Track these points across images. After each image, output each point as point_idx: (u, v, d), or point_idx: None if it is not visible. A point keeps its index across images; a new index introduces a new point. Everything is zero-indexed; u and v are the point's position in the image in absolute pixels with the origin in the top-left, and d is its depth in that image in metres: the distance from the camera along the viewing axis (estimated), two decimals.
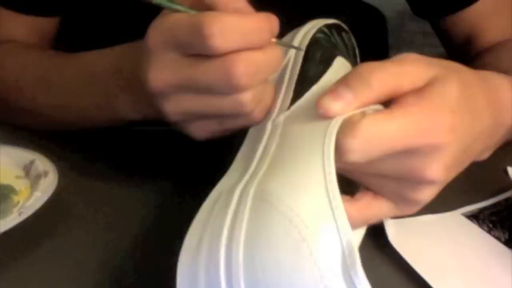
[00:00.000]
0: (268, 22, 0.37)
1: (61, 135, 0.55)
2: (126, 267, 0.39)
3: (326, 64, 0.42)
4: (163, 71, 0.37)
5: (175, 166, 0.51)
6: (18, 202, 0.43)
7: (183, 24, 0.36)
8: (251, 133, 0.39)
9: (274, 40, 0.38)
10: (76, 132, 0.55)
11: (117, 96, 0.46)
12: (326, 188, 0.29)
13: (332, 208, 0.29)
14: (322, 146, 0.31)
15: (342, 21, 0.48)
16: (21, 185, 0.45)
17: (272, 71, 0.38)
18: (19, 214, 0.39)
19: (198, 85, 0.37)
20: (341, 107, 0.32)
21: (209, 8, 0.37)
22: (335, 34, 0.46)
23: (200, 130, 0.40)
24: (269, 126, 0.38)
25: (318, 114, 0.33)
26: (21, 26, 0.63)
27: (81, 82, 0.51)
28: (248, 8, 0.37)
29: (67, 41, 0.68)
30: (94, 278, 0.37)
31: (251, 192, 0.30)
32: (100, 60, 0.49)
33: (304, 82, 0.40)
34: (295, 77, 0.41)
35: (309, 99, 0.38)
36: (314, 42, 0.43)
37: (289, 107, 0.38)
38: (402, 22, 1.42)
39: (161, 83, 0.37)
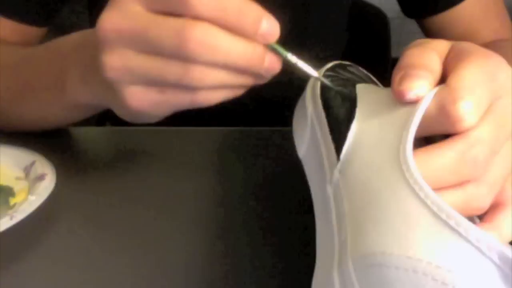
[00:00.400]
0: (261, 16, 0.34)
1: (62, 135, 0.55)
2: (125, 270, 0.38)
3: (350, 98, 0.37)
4: (118, 15, 0.35)
5: (175, 169, 0.51)
6: (15, 205, 0.43)
7: None
8: (317, 213, 0.35)
9: (275, 45, 0.36)
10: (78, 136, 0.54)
11: (68, 70, 0.44)
12: (434, 213, 0.25)
13: (456, 230, 0.24)
14: (402, 175, 0.27)
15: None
16: (19, 186, 0.45)
17: (234, 62, 0.34)
18: (11, 218, 0.39)
19: (148, 39, 0.34)
20: (424, 83, 0.30)
21: None
22: (341, 71, 0.43)
23: (136, 97, 0.37)
24: (329, 189, 0.33)
25: (403, 100, 0.30)
26: (8, 29, 0.62)
27: (43, 62, 0.49)
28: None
29: None
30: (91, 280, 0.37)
31: (350, 264, 0.26)
32: (64, 40, 0.48)
33: (339, 127, 0.37)
34: (327, 129, 0.37)
35: (357, 138, 0.33)
36: (326, 91, 0.40)
37: (338, 159, 0.34)
38: (402, 22, 1.41)
39: (110, 26, 0.35)
